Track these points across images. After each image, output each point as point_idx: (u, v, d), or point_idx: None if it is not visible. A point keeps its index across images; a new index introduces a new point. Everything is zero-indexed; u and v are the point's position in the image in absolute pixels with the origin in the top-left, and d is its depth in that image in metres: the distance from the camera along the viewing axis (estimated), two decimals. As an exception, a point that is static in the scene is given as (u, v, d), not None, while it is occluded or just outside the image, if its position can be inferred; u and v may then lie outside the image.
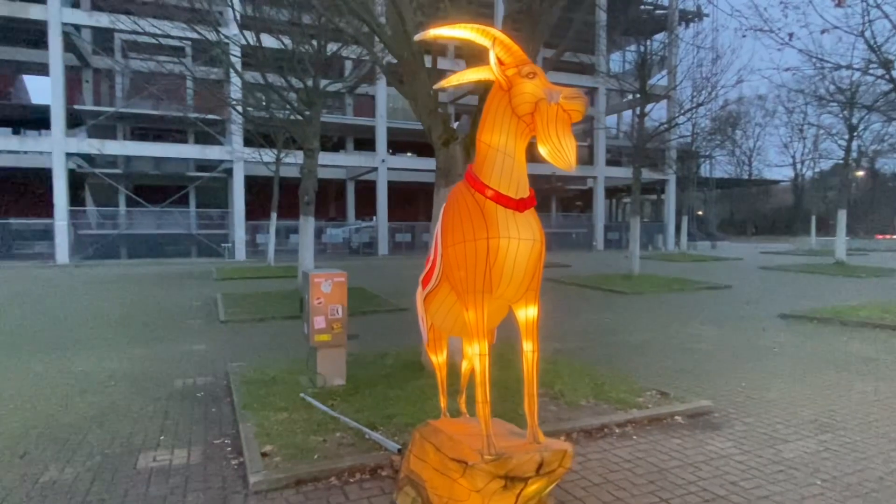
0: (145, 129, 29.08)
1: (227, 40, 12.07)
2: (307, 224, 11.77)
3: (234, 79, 14.61)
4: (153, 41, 12.25)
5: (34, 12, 23.16)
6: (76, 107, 27.06)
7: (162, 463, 3.78)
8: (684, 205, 34.21)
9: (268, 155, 18.14)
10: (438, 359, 3.52)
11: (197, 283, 15.56)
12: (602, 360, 6.65)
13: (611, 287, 13.79)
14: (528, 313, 2.69)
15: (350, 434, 4.08)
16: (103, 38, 26.94)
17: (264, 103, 12.96)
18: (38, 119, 27.27)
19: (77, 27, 25.69)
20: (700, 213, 45.57)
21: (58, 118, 23.97)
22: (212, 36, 11.60)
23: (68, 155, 24.46)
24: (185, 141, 28.61)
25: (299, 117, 11.67)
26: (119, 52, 27.71)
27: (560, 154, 2.41)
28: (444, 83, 2.77)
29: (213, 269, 19.58)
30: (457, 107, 35.73)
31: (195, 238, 27.11)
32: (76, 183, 26.99)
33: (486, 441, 2.60)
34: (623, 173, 31.84)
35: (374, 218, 29.75)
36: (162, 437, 4.24)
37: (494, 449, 2.57)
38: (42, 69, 27.38)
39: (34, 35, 23.87)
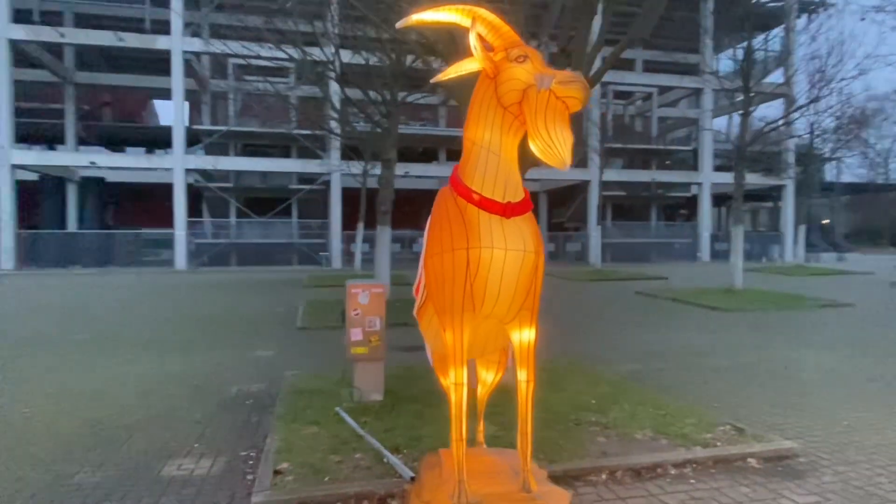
0: (254, 146, 31.14)
1: (331, 59, 12.46)
2: (383, 234, 11.84)
3: (330, 95, 15.18)
4: (262, 64, 12.90)
5: (160, 43, 25.61)
6: (195, 127, 29.57)
7: (184, 472, 3.77)
8: (805, 212, 30.93)
9: (356, 167, 18.65)
10: (446, 381, 3.19)
11: (289, 289, 16.24)
12: (678, 385, 5.95)
13: (708, 303, 12.59)
14: (521, 337, 2.32)
15: (370, 455, 3.86)
16: (219, 63, 29.30)
17: (346, 117, 13.29)
18: (165, 139, 30.16)
19: (197, 54, 28.11)
20: (826, 221, 41.08)
21: (179, 138, 26.30)
22: (318, 56, 12.05)
23: (187, 171, 26.75)
24: (288, 156, 30.30)
25: (378, 129, 11.81)
26: (232, 75, 29.97)
27: (551, 150, 2.03)
28: (440, 77, 2.48)
29: (306, 276, 20.42)
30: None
31: (296, 247, 28.54)
32: (194, 196, 29.44)
33: (458, 488, 2.25)
34: (732, 179, 29.48)
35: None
36: (196, 445, 4.27)
37: (466, 498, 2.21)
38: (168, 94, 30.30)
39: (161, 63, 26.38)
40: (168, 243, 27.61)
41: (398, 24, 2.39)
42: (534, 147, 2.06)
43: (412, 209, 32.09)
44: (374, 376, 4.92)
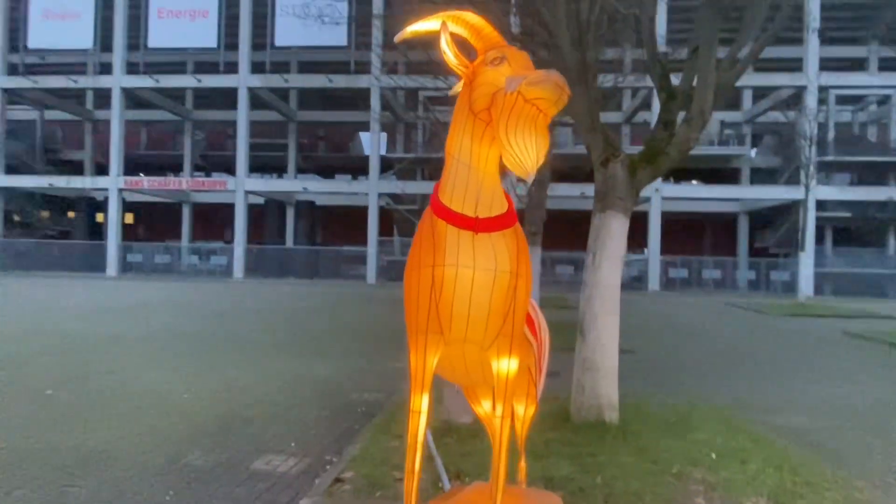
0: (437, 169, 33.09)
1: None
2: (533, 255, 11.63)
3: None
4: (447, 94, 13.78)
5: (362, 81, 28.69)
6: (389, 155, 32.48)
7: (268, 468, 4.10)
8: None
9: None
10: (478, 409, 2.99)
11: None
12: (847, 450, 4.83)
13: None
14: (500, 366, 2.08)
15: (432, 477, 3.78)
16: (411, 96, 31.86)
17: None
18: (366, 167, 33.64)
19: (393, 90, 30.94)
20: None
21: (374, 165, 29.16)
22: None
23: (380, 194, 29.46)
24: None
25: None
26: (421, 105, 32.34)
27: (514, 157, 1.82)
28: (399, 36, 2.31)
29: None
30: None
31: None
32: (386, 217, 32.23)
33: None
34: None
35: (646, 250, 27.87)
36: (292, 444, 4.61)
37: None
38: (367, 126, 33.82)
39: (365, 99, 29.54)
40: (363, 259, 30.53)
41: (396, 39, 2.36)
42: (503, 156, 1.87)
43: (561, 229, 31.00)
44: (463, 398, 4.82)
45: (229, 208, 28.88)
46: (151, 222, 37.46)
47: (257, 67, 29.12)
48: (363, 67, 28.79)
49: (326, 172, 37.42)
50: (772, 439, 4.82)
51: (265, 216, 32.88)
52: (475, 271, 1.97)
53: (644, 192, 23.40)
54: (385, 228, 31.97)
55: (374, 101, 28.40)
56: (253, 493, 3.65)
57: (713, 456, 4.28)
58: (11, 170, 29.58)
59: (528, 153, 1.80)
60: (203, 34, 29.44)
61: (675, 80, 5.17)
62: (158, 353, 8.38)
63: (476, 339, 2.08)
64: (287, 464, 4.20)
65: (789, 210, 27.23)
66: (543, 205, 11.63)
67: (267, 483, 3.83)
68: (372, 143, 29.49)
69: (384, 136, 34.18)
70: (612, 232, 4.85)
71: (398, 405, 5.45)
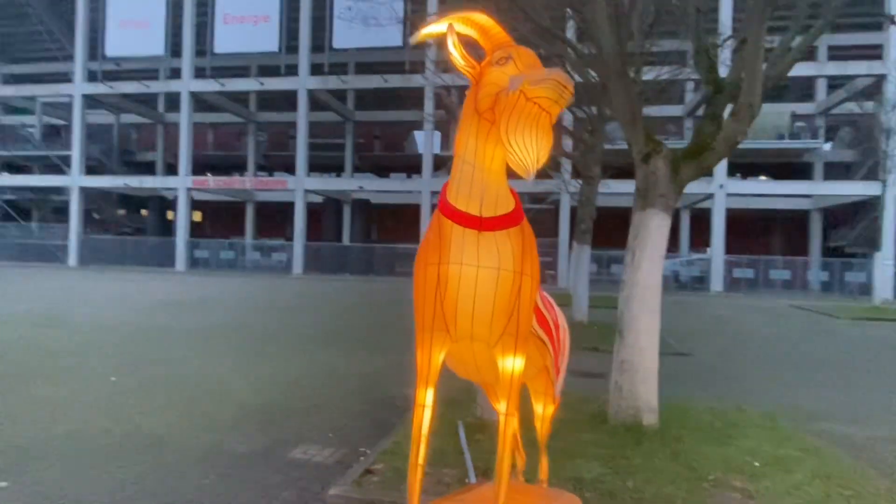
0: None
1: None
2: (582, 253, 11.45)
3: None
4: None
5: (416, 81, 28.97)
6: (443, 153, 32.66)
7: (304, 457, 4.24)
8: None
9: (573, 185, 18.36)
10: (498, 408, 2.99)
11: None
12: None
13: None
14: (505, 364, 2.09)
15: (459, 472, 3.82)
16: (464, 94, 31.90)
17: (580, 134, 13.19)
18: (420, 165, 34.00)
19: (447, 88, 31.07)
20: None
21: (427, 164, 29.43)
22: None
23: (433, 192, 29.69)
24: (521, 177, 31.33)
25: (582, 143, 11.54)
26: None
27: (515, 156, 1.82)
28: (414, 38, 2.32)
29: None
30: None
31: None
32: (439, 215, 32.47)
33: None
34: None
35: (708, 249, 26.79)
36: (330, 435, 4.76)
37: None
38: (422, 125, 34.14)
39: (418, 98, 29.79)
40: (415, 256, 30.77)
41: (411, 40, 2.38)
42: (507, 155, 1.87)
43: (617, 227, 29.94)
44: (497, 395, 4.83)
45: (290, 207, 29.84)
46: (217, 220, 39.22)
47: (316, 70, 29.92)
48: (418, 67, 29.04)
49: (382, 171, 38.03)
50: (824, 449, 4.57)
51: (323, 214, 33.75)
52: (479, 269, 1.99)
53: (707, 188, 22.68)
54: (438, 226, 32.23)
55: (428, 100, 28.60)
56: (287, 481, 3.79)
57: (756, 464, 4.11)
58: (91, 170, 31.67)
59: (528, 152, 1.80)
60: (265, 39, 30.49)
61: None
62: (215, 344, 8.80)
63: (482, 337, 2.10)
64: (323, 454, 4.34)
65: (866, 207, 25.52)
66: (594, 202, 11.41)
67: (302, 471, 3.98)
68: (425, 142, 29.75)
69: (438, 134, 34.39)
70: (652, 230, 4.72)
71: (435, 401, 5.51)
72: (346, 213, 34.45)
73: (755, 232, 32.03)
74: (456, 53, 2.02)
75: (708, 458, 4.17)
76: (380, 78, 30.06)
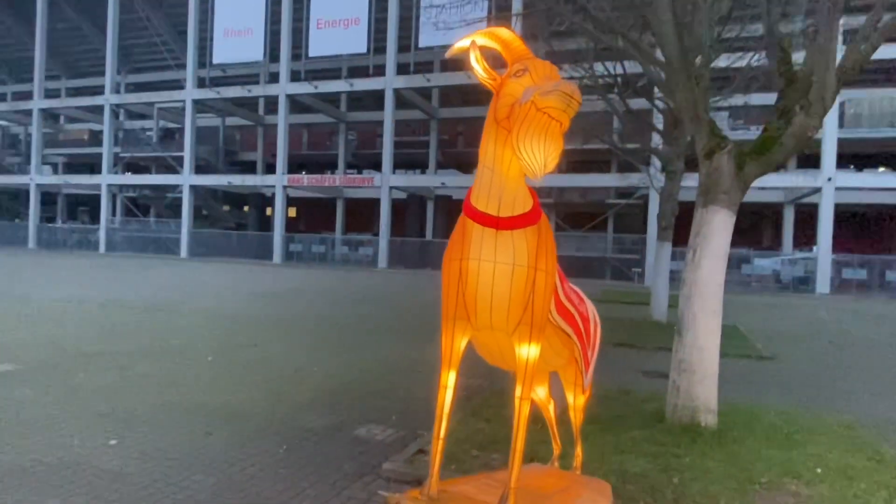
0: (577, 162, 32.46)
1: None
2: (663, 250, 11.14)
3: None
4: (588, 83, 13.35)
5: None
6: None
7: (367, 435, 4.60)
8: None
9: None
10: (532, 396, 3.15)
11: (581, 302, 16.56)
12: None
13: None
14: (521, 352, 2.26)
15: (505, 458, 4.00)
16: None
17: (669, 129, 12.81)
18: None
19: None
20: None
21: (509, 158, 29.47)
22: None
23: (515, 188, 29.72)
24: (608, 170, 30.58)
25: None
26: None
27: (525, 162, 1.99)
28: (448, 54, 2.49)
29: (601, 291, 20.36)
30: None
31: (609, 262, 28.56)
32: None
33: (431, 480, 2.34)
34: None
35: (815, 248, 24.85)
36: (393, 417, 5.10)
37: (429, 490, 2.29)
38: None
39: (479, 94, 29.84)
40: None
41: (447, 55, 2.59)
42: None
43: (752, 223, 28.61)
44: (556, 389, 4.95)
45: (376, 203, 30.95)
46: (311, 215, 41.36)
47: (402, 69, 30.77)
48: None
49: (465, 167, 38.43)
50: (901, 461, 4.31)
51: (407, 210, 34.68)
52: (496, 265, 2.18)
53: (815, 182, 21.05)
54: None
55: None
56: (349, 455, 4.16)
57: (818, 470, 3.98)
58: (199, 170, 34.45)
59: (536, 158, 1.97)
60: (355, 41, 31.72)
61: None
62: (299, 332, 9.49)
63: (500, 326, 2.29)
64: (384, 433, 4.68)
65: None
66: (676, 197, 11.05)
67: (363, 448, 4.33)
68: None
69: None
70: (714, 228, 4.64)
71: (496, 392, 5.71)
72: (430, 208, 35.18)
73: (870, 229, 29.30)
74: (478, 67, 2.21)
75: (766, 461, 4.08)
76: (463, 75, 30.35)
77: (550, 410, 3.22)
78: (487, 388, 6.15)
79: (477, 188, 2.27)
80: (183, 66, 33.98)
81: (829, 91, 4.29)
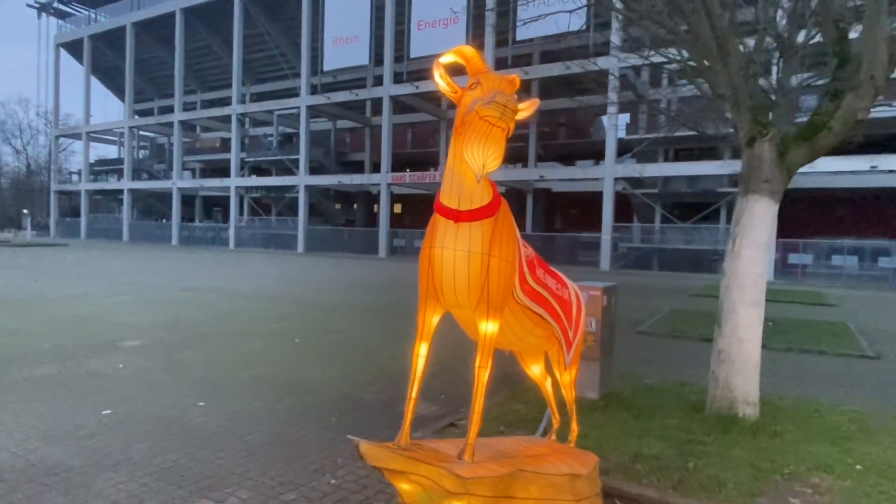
0: (684, 150, 30.81)
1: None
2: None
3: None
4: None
5: (600, 64, 28.32)
6: (628, 137, 31.42)
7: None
8: None
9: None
10: (529, 373, 3.43)
11: (672, 296, 15.98)
12: None
13: None
14: (481, 327, 2.58)
15: (530, 433, 4.26)
16: (656, 73, 30.20)
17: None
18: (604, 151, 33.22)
19: (636, 68, 29.80)
20: None
21: (610, 149, 28.69)
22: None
23: (616, 179, 28.87)
24: (719, 158, 28.70)
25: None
26: (666, 81, 30.40)
27: (469, 163, 2.31)
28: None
29: (701, 285, 19.30)
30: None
31: (720, 254, 26.88)
32: (624, 203, 31.33)
33: (402, 432, 2.70)
34: None
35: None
36: (442, 396, 5.52)
37: (401, 440, 2.66)
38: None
39: (604, 82, 29.14)
40: (597, 246, 30.34)
41: (435, 77, 2.89)
42: (469, 160, 2.35)
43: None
44: (590, 375, 5.10)
45: (475, 198, 31.46)
46: (414, 211, 42.88)
47: (500, 64, 31.00)
48: (602, 49, 28.35)
49: (566, 159, 37.85)
50: None
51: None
52: (456, 252, 2.50)
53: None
54: (624, 214, 31.15)
55: (613, 83, 27.75)
56: (390, 425, 4.62)
57: (858, 467, 3.84)
58: (313, 171, 37.07)
59: (476, 160, 2.30)
60: (455, 39, 32.40)
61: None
62: (384, 319, 10.22)
63: (463, 305, 2.62)
64: (430, 409, 5.12)
65: None
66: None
67: (398, 418, 4.79)
68: (608, 128, 28.97)
69: (626, 117, 33.16)
70: (754, 217, 4.55)
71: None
72: (529, 202, 35.13)
73: None
74: (442, 82, 2.54)
75: (801, 455, 3.99)
76: (562, 65, 30.02)
77: (547, 386, 3.47)
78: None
79: (443, 186, 2.60)
80: (298, 75, 36.67)
81: (880, 68, 4.07)
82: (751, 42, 5.33)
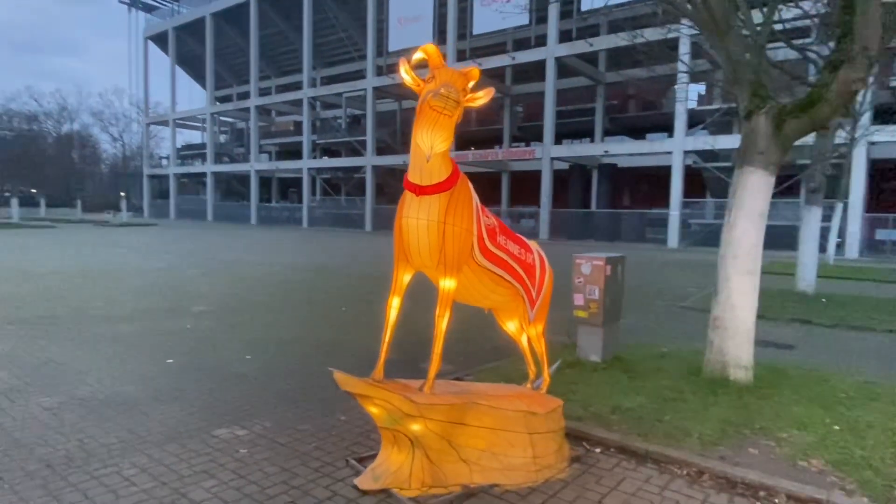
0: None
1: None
2: (810, 215, 10.21)
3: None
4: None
5: (670, 32, 27.26)
6: (700, 108, 30.13)
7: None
8: None
9: None
10: (505, 329, 3.85)
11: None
12: None
13: None
14: (440, 284, 3.04)
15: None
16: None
17: None
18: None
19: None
20: None
21: (680, 122, 27.71)
22: None
23: (686, 153, 27.89)
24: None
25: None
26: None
27: (421, 146, 2.76)
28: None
29: (777, 263, 18.52)
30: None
31: (796, 229, 25.51)
32: (693, 177, 30.20)
33: (376, 368, 3.21)
34: None
35: None
36: (461, 358, 6.04)
37: (376, 374, 3.18)
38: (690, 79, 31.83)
39: (675, 50, 28.03)
40: (665, 223, 29.53)
41: (412, 62, 3.33)
42: (421, 142, 2.81)
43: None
44: (593, 340, 5.43)
45: (540, 175, 31.41)
46: (478, 189, 43.11)
47: (565, 37, 30.48)
48: (672, 17, 27.20)
49: (636, 133, 36.79)
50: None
51: (570, 181, 34.51)
52: (418, 221, 2.97)
53: None
54: (696, 189, 30.07)
55: (684, 50, 26.68)
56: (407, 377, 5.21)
57: (836, 427, 4.01)
58: (380, 151, 38.16)
59: (426, 142, 2.75)
60: (517, 14, 32.19)
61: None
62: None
63: (428, 266, 3.09)
64: (445, 368, 5.62)
65: None
66: (826, 158, 10.01)
67: (418, 376, 5.34)
68: (677, 99, 27.88)
69: (698, 87, 31.76)
70: (749, 188, 4.69)
71: (560, 345, 6.30)
72: (594, 178, 34.56)
73: None
74: (407, 77, 2.99)
75: (780, 414, 4.20)
76: (628, 35, 29.08)
77: (523, 341, 3.88)
78: (558, 343, 6.74)
79: (410, 165, 3.07)
80: (364, 58, 37.66)
81: (872, 40, 4.10)
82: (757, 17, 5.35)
